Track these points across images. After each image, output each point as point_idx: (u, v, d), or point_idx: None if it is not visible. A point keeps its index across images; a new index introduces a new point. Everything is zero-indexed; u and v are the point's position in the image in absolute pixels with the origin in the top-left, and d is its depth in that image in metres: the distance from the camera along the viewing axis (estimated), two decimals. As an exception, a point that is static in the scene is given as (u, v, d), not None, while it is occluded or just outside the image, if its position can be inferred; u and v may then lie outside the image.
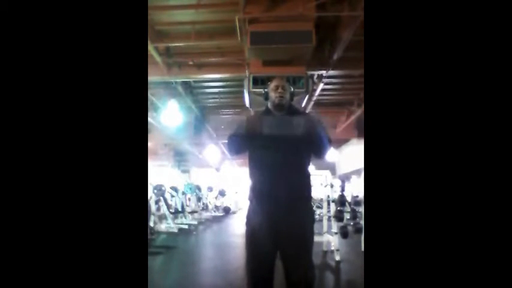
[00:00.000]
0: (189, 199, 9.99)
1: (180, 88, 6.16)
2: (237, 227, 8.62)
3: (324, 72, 5.26)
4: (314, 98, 6.54)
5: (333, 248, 4.28)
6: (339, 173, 13.01)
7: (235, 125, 1.84)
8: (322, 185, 4.92)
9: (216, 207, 12.67)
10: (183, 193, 9.19)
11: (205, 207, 11.16)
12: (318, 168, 5.29)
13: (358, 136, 9.03)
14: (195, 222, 8.22)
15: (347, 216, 5.14)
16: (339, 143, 11.65)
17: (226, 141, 1.88)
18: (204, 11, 4.25)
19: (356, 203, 6.07)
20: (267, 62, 4.32)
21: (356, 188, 11.21)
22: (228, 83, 6.59)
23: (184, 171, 13.45)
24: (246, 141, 1.74)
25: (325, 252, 4.61)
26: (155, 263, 4.14)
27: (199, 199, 10.45)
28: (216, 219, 10.54)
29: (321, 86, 5.84)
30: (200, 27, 4.52)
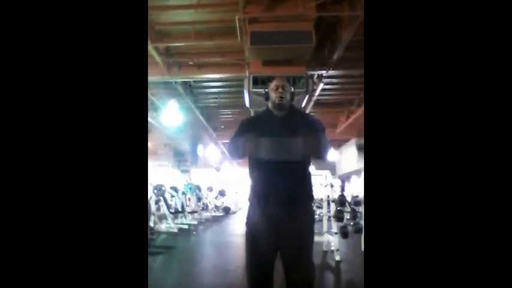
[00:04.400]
0: (189, 199, 9.99)
1: (180, 88, 6.16)
2: (237, 227, 8.62)
3: (324, 72, 5.26)
4: (314, 98, 6.54)
5: (333, 248, 4.28)
6: (339, 173, 13.02)
7: (236, 130, 1.85)
8: (322, 185, 4.92)
9: (216, 207, 12.67)
10: (183, 193, 9.18)
11: (205, 207, 11.16)
12: (318, 168, 5.29)
13: (358, 136, 9.04)
14: (195, 222, 8.22)
15: (347, 216, 5.14)
16: (339, 143, 11.66)
17: (227, 145, 1.88)
18: (204, 11, 4.25)
19: (356, 203, 6.07)
20: (267, 62, 4.32)
21: (356, 188, 11.22)
22: (228, 83, 6.59)
23: (184, 171, 13.44)
24: (246, 147, 1.73)
25: (325, 252, 4.61)
26: (155, 263, 4.14)
27: (199, 199, 10.45)
28: (216, 219, 10.54)
29: (321, 86, 5.84)
30: (200, 27, 4.52)
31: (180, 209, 8.47)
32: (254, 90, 4.25)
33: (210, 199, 12.45)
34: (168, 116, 6.72)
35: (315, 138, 1.69)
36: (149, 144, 9.70)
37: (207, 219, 9.92)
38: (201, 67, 5.47)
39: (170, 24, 4.57)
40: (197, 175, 14.11)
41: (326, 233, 4.75)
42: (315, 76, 5.54)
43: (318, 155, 1.76)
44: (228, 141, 1.92)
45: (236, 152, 1.81)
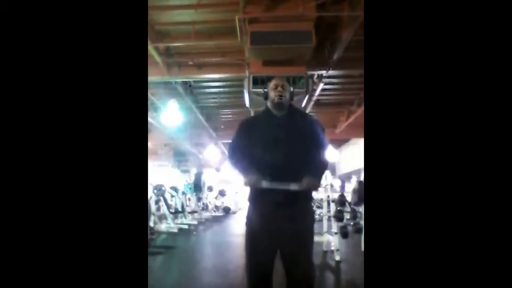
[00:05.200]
0: (189, 199, 9.99)
1: (180, 88, 6.16)
2: (237, 227, 8.62)
3: (324, 72, 5.25)
4: (314, 98, 6.54)
5: (333, 248, 4.28)
6: (339, 173, 13.01)
7: (235, 133, 1.85)
8: (322, 185, 4.92)
9: (216, 207, 12.67)
10: (183, 193, 9.18)
11: (205, 207, 11.15)
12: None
13: (358, 136, 9.03)
14: (195, 222, 8.22)
15: (347, 216, 5.14)
16: (339, 143, 11.65)
17: (228, 156, 1.89)
18: (204, 11, 4.25)
19: (356, 203, 6.07)
20: (267, 62, 4.32)
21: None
22: (228, 83, 6.59)
23: (184, 171, 13.44)
24: (246, 171, 1.73)
25: (325, 252, 4.61)
26: (155, 263, 4.14)
27: (199, 199, 10.45)
28: (216, 219, 10.54)
29: (321, 86, 5.84)
30: (200, 27, 4.52)
31: (180, 209, 8.47)
32: (254, 90, 4.25)
33: (210, 199, 12.45)
34: (168, 116, 6.72)
35: (313, 138, 1.70)
36: (149, 144, 9.69)
37: (207, 219, 9.92)
38: (201, 67, 5.46)
39: (170, 24, 4.56)
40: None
41: (326, 233, 4.75)
42: (315, 76, 5.53)
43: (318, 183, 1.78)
44: (227, 141, 1.92)
45: (236, 167, 1.82)
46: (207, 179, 13.05)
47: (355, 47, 4.40)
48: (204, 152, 11.23)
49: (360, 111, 7.17)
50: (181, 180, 11.29)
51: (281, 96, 1.78)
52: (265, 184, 1.67)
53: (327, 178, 4.81)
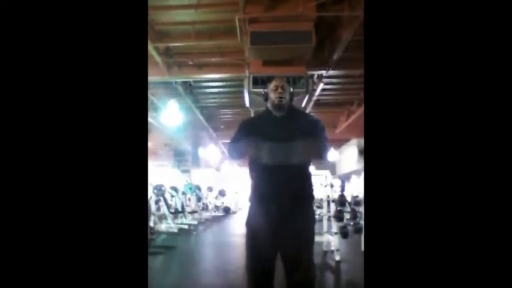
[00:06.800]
0: (189, 199, 9.99)
1: (180, 88, 6.16)
2: (237, 227, 8.62)
3: (324, 72, 5.26)
4: (314, 98, 6.54)
5: (333, 248, 4.28)
6: (339, 173, 13.02)
7: (236, 131, 1.87)
8: (322, 185, 4.92)
9: (216, 207, 12.67)
10: (183, 193, 9.18)
11: (205, 207, 11.15)
12: (318, 168, 5.29)
13: (358, 136, 9.03)
14: (195, 222, 8.22)
15: (347, 216, 5.14)
16: (339, 143, 11.65)
17: (227, 147, 1.91)
18: (204, 11, 4.25)
19: (356, 203, 6.07)
20: (267, 62, 4.32)
21: (356, 188, 11.23)
22: (228, 83, 6.59)
23: (184, 171, 13.44)
24: (246, 148, 1.75)
25: (325, 252, 4.61)
26: (155, 263, 4.14)
27: (199, 199, 10.45)
28: (216, 219, 10.54)
29: (321, 86, 5.84)
30: (200, 27, 4.52)
31: (180, 209, 8.46)
32: (254, 90, 4.25)
33: (210, 199, 12.45)
34: (168, 116, 6.72)
35: (314, 141, 1.70)
36: (149, 144, 9.69)
37: (207, 219, 9.91)
38: (201, 67, 5.47)
39: (170, 24, 4.57)
40: (197, 175, 14.11)
41: (326, 233, 4.75)
42: (315, 76, 5.53)
43: (318, 156, 1.81)
44: (228, 141, 1.93)
45: (236, 153, 1.85)
46: (207, 178, 13.05)
47: (355, 47, 4.40)
48: (201, 151, 11.21)
49: (360, 111, 7.17)
50: (181, 180, 11.28)
51: (281, 97, 1.78)
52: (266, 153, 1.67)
53: (327, 178, 4.81)
